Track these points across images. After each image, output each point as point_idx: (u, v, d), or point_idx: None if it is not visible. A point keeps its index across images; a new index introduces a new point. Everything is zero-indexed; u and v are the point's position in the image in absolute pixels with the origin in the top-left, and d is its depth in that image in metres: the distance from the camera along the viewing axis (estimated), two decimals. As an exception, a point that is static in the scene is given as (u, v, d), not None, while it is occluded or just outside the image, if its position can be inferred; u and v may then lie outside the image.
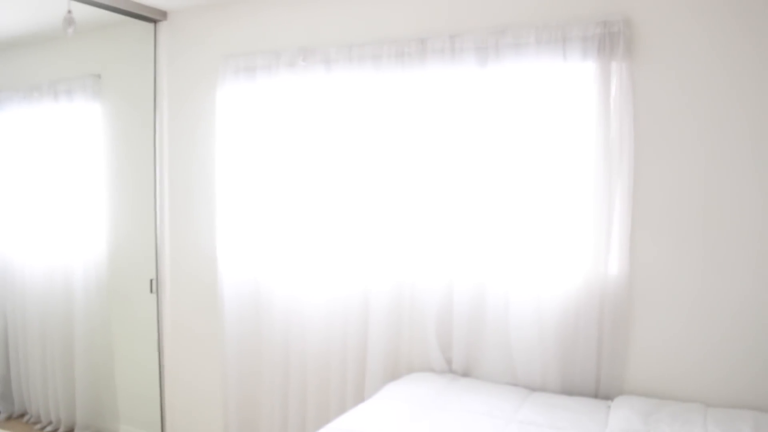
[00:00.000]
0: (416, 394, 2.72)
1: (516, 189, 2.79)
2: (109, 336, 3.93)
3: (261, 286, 3.41)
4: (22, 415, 4.07)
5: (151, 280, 3.79)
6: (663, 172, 2.59)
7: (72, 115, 3.91)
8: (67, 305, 3.93)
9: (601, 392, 2.70)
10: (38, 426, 3.98)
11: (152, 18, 3.67)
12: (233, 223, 3.46)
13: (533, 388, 2.80)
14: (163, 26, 3.74)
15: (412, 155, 3.00)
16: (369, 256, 3.11)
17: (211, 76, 3.53)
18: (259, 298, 3.43)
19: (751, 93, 2.44)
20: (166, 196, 3.79)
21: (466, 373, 2.98)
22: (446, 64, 2.89)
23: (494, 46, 2.78)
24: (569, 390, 2.75)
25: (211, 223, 3.59)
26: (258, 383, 3.47)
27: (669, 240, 2.59)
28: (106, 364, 3.94)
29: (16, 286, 4.02)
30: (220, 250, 3.51)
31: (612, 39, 2.57)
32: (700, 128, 2.52)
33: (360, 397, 3.08)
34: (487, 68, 2.82)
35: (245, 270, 3.45)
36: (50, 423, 3.99)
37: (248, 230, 3.43)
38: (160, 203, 3.78)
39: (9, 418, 4.02)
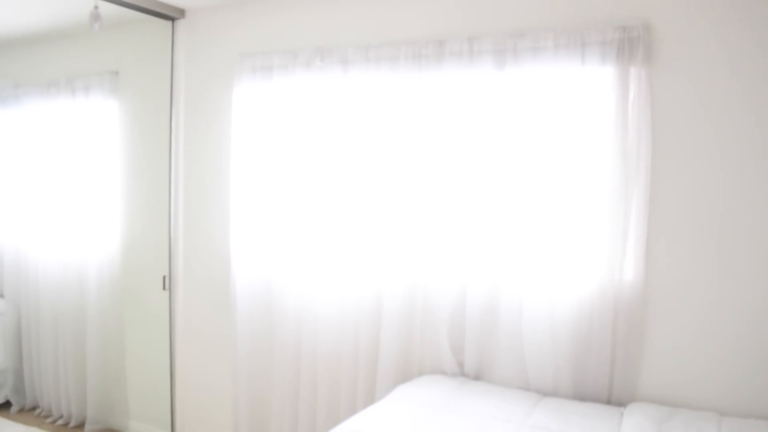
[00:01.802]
0: (427, 396, 2.71)
1: (532, 193, 2.78)
2: (121, 332, 3.95)
3: (274, 285, 3.42)
4: (33, 408, 4.09)
5: (164, 277, 3.80)
6: (680, 178, 2.57)
7: (89, 111, 3.93)
8: (80, 301, 3.94)
9: (614, 398, 2.68)
10: (49, 420, 4.00)
11: (170, 16, 3.69)
12: (247, 222, 3.47)
13: (545, 392, 2.79)
14: (180, 24, 3.76)
15: (428, 157, 2.99)
16: (382, 257, 3.11)
17: (228, 74, 3.55)
18: (271, 297, 3.43)
19: (770, 100, 2.42)
20: (180, 193, 3.81)
21: (477, 377, 2.97)
22: (464, 66, 2.88)
23: (512, 49, 2.77)
24: (581, 395, 2.74)
25: (224, 222, 3.60)
26: (269, 383, 3.47)
27: (685, 246, 2.58)
28: (117, 360, 3.96)
29: (30, 280, 4.04)
30: (233, 248, 3.52)
31: (631, 44, 2.55)
32: (717, 135, 2.51)
33: (371, 399, 3.08)
34: (505, 71, 2.81)
35: (258, 269, 3.46)
36: (61, 417, 4.01)
37: (262, 229, 3.44)
38: (174, 201, 3.80)
39: (21, 410, 4.04)
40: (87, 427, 3.93)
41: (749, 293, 2.49)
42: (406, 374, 3.08)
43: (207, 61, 3.70)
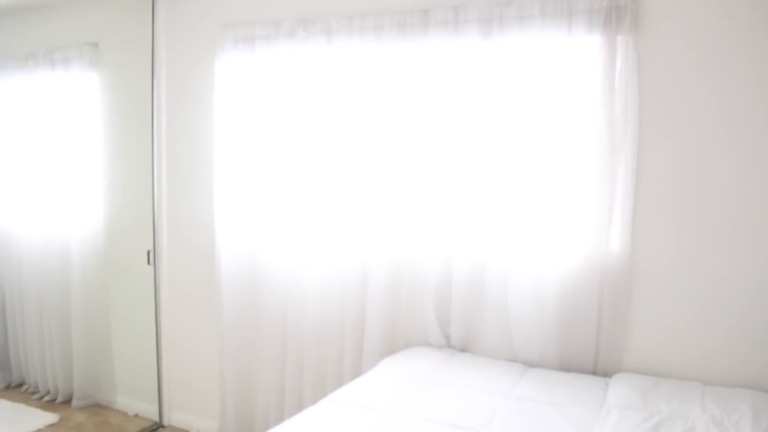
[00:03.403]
0: (414, 368, 2.71)
1: (517, 164, 2.76)
2: (106, 307, 3.92)
3: (259, 258, 3.40)
4: (20, 385, 4.06)
5: (149, 252, 3.77)
6: (667, 149, 2.56)
7: (68, 84, 3.84)
8: (64, 276, 3.90)
9: (600, 369, 2.70)
10: (36, 396, 3.98)
11: (150, -15, 3.61)
12: (231, 195, 3.43)
13: (531, 364, 2.80)
14: (161, -6, 3.68)
15: (413, 128, 2.96)
16: (368, 229, 3.09)
17: (210, 45, 3.48)
18: (257, 270, 3.41)
19: (761, 70, 2.40)
20: (163, 166, 3.76)
21: (464, 349, 2.98)
22: (449, 36, 2.84)
23: (498, 18, 2.73)
24: (567, 366, 2.75)
25: (209, 195, 3.56)
26: (255, 355, 3.47)
27: (671, 218, 2.58)
28: (103, 335, 3.93)
29: (12, 255, 3.98)
30: (218, 221, 3.49)
31: (619, 12, 2.52)
32: (706, 105, 2.49)
33: (357, 371, 3.09)
34: (491, 41, 2.77)
35: (243, 242, 3.43)
36: (48, 393, 3.99)
37: (247, 202, 3.40)
38: (157, 173, 3.75)
39: (7, 387, 4.01)
40: (74, 402, 3.92)
41: (735, 264, 2.50)
42: (392, 347, 3.08)
43: (188, 31, 3.62)
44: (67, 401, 3.95)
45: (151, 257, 3.76)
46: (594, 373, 2.71)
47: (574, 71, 2.65)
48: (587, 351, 2.70)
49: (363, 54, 3.04)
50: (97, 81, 3.79)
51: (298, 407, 3.25)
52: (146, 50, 3.69)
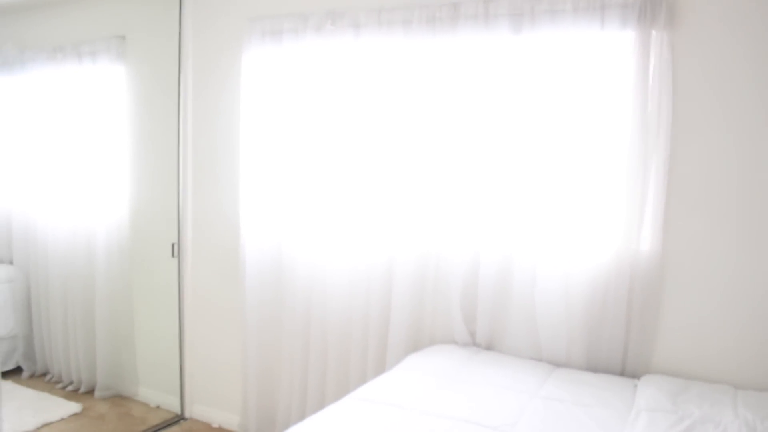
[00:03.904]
0: (439, 365, 2.69)
1: (547, 160, 2.72)
2: (130, 299, 3.94)
3: (283, 253, 3.39)
4: (44, 374, 4.10)
5: (173, 245, 3.78)
6: (701, 147, 2.51)
7: (96, 77, 3.86)
8: (89, 267, 3.92)
9: (627, 370, 2.66)
10: (60, 385, 4.01)
11: (178, -21, 3.61)
12: (257, 189, 3.43)
13: (557, 363, 2.77)
14: (188, -13, 3.68)
15: (441, 124, 2.93)
16: (394, 225, 3.06)
17: (237, 39, 3.47)
18: (281, 265, 3.40)
19: (800, 66, 2.34)
20: (189, 159, 3.76)
21: (489, 347, 2.95)
22: (479, 30, 2.80)
23: (529, 13, 2.69)
24: (594, 367, 2.71)
25: (234, 188, 3.56)
26: (278, 350, 3.46)
27: (704, 217, 2.52)
28: (126, 327, 3.95)
29: (39, 247, 4.02)
30: (242, 215, 3.48)
31: (654, 7, 2.47)
32: (740, 104, 2.43)
33: (381, 368, 3.07)
34: (522, 35, 2.73)
35: (268, 236, 3.42)
36: (71, 383, 4.02)
37: (272, 196, 3.39)
38: (183, 167, 3.76)
39: (32, 376, 4.06)
40: (97, 393, 3.95)
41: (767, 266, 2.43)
42: (417, 344, 3.05)
43: (215, 25, 3.62)
44: (90, 391, 3.98)
45: (175, 250, 3.77)
46: (621, 374, 2.67)
47: (607, 67, 2.61)
48: (615, 351, 2.66)
49: (391, 48, 3.02)
50: (124, 74, 3.80)
51: (321, 403, 3.25)
52: (173, 43, 3.69)
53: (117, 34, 3.78)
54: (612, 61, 2.60)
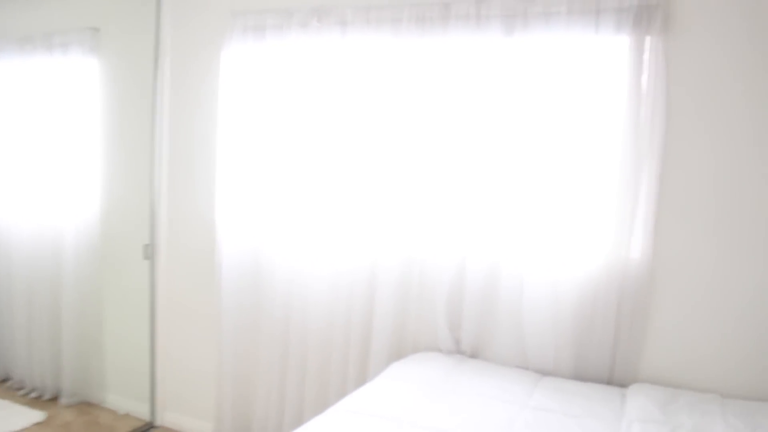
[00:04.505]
0: (424, 374, 2.62)
1: (537, 165, 2.68)
2: (99, 302, 3.79)
3: (262, 256, 3.29)
4: (4, 380, 3.92)
5: (146, 246, 3.64)
6: (693, 156, 2.49)
7: (67, 70, 3.72)
8: (56, 269, 3.77)
9: (615, 379, 2.62)
10: (22, 392, 3.83)
11: (156, -31, 3.49)
12: (234, 190, 3.32)
13: (544, 372, 2.72)
14: (167, -22, 3.56)
15: (428, 126, 2.87)
16: (377, 229, 2.99)
17: (218, 33, 3.37)
18: (259, 268, 3.30)
19: (792, 76, 2.33)
20: (164, 157, 3.63)
21: (474, 354, 2.89)
22: (470, 31, 2.75)
23: (522, 15, 2.65)
24: (581, 375, 2.67)
25: (210, 188, 3.45)
26: (255, 358, 3.35)
27: (695, 226, 2.50)
28: (95, 331, 3.80)
29: (1, 247, 3.85)
30: (219, 216, 3.37)
31: (650, 12, 2.44)
32: (733, 112, 2.42)
33: (363, 375, 2.99)
34: (514, 38, 2.68)
35: (246, 239, 3.32)
36: (34, 389, 3.84)
37: (250, 197, 3.29)
38: (157, 165, 3.62)
39: (-9, 382, 3.89)
40: (62, 400, 3.79)
41: (757, 275, 2.43)
42: (400, 350, 2.98)
43: (195, 18, 3.50)
44: (55, 398, 3.83)
45: (149, 252, 3.63)
46: (609, 382, 2.63)
47: (600, 72, 2.57)
48: (603, 360, 2.62)
49: (379, 48, 2.94)
50: (97, 67, 3.66)
51: (299, 411, 3.17)
52: (150, 37, 3.56)
53: (91, 26, 3.64)
54: (605, 66, 2.56)
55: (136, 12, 3.61)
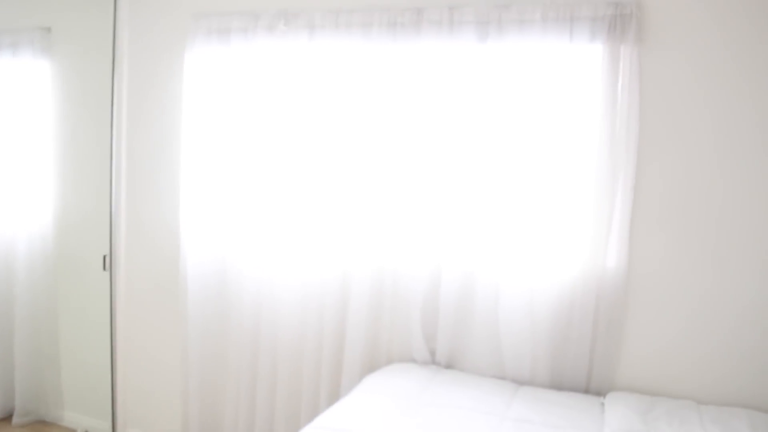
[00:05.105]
0: (401, 387, 2.57)
1: (512, 174, 2.66)
2: (55, 314, 3.63)
3: (229, 266, 3.18)
4: (-51, 400, 3.72)
5: (105, 256, 3.48)
6: (668, 164, 2.51)
7: (16, 72, 3.57)
8: (8, 281, 3.61)
9: (592, 387, 2.63)
10: (-32, 411, 3.66)
11: (112, -34, 3.33)
12: (199, 197, 3.20)
13: (521, 381, 2.70)
14: (124, -24, 3.41)
15: (400, 133, 2.82)
16: (349, 237, 2.92)
17: (180, 36, 3.24)
18: (226, 279, 3.20)
19: (764, 87, 2.36)
20: (123, 164, 3.48)
21: (449, 365, 2.85)
22: (443, 37, 2.70)
23: (497, 21, 2.61)
24: (558, 385, 2.66)
25: (174, 197, 3.32)
26: (223, 370, 3.25)
27: (670, 235, 2.52)
28: (50, 346, 3.63)
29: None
30: (183, 225, 3.25)
31: (623, 21, 2.44)
32: (708, 121, 2.45)
33: (335, 387, 2.93)
34: (488, 44, 2.65)
35: (212, 248, 3.21)
36: (-17, 408, 3.67)
37: (216, 205, 3.18)
38: (116, 172, 3.46)
39: (-67, 401, 3.67)
40: (15, 419, 3.62)
41: (733, 284, 2.46)
42: (373, 362, 2.93)
43: (156, 19, 3.36)
44: (7, 418, 3.66)
45: (107, 262, 3.47)
46: (586, 391, 2.63)
47: (575, 80, 2.57)
48: (580, 369, 2.62)
49: (349, 53, 2.88)
50: (50, 69, 3.51)
51: (270, 425, 3.08)
52: (107, 37, 3.39)
53: (42, 25, 3.48)
54: (580, 74, 2.56)
55: (91, 11, 3.44)
